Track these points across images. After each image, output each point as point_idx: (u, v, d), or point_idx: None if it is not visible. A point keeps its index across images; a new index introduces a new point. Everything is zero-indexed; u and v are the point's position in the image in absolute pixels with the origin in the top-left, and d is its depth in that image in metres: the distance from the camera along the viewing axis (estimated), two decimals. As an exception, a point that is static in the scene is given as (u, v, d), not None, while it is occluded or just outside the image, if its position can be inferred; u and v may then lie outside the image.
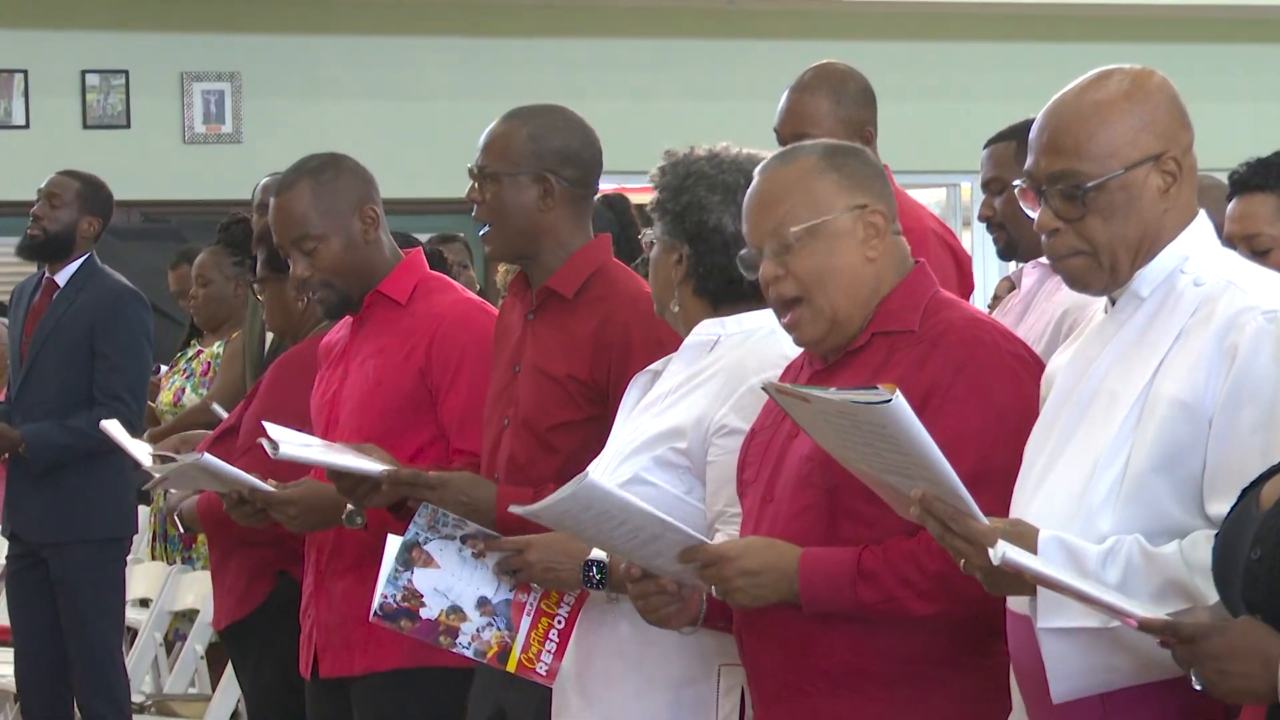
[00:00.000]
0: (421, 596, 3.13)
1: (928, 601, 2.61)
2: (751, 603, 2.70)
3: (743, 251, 2.84)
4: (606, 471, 3.01)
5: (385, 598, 3.13)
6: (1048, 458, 2.46)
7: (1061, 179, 2.46)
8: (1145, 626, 2.17)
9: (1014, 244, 3.86)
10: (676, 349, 3.15)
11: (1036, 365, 2.72)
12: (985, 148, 3.97)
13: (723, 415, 2.97)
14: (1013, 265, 4.07)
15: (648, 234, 3.16)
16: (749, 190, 2.82)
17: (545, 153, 3.43)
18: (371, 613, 3.15)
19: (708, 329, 3.08)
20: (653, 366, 3.21)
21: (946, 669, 2.65)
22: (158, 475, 3.85)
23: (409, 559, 3.15)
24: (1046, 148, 2.47)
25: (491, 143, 3.45)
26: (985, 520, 2.39)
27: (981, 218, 3.91)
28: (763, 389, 2.55)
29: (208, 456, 3.78)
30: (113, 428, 4.21)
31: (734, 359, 3.02)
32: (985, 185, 3.89)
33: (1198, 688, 2.12)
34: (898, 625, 2.66)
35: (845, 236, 2.76)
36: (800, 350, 2.92)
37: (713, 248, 3.06)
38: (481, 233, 3.46)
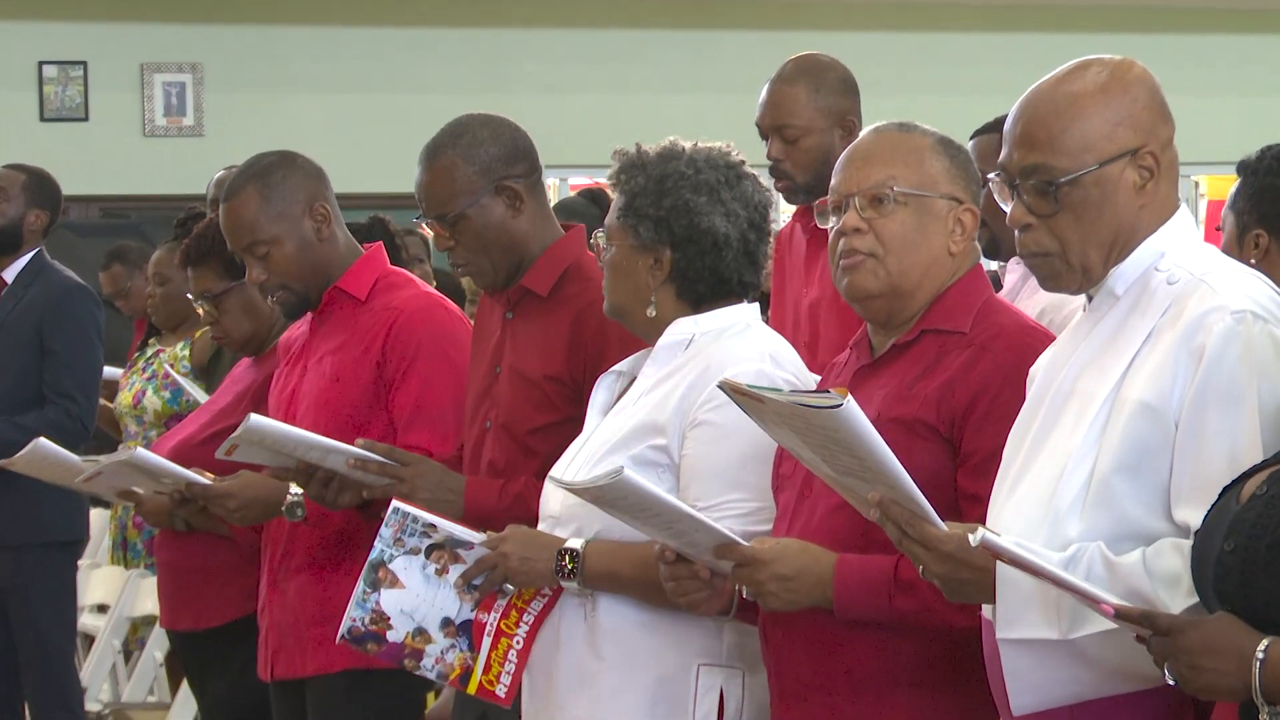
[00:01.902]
0: (389, 619, 3.16)
1: (966, 613, 2.60)
2: (784, 607, 2.74)
3: (818, 201, 2.84)
4: (580, 473, 3.03)
5: (354, 621, 3.17)
6: (1022, 461, 2.46)
7: (1034, 173, 2.45)
8: (1121, 615, 2.17)
9: (997, 242, 3.86)
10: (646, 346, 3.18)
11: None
12: (971, 140, 3.96)
13: (697, 408, 2.99)
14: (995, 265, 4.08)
15: (600, 236, 3.17)
16: (855, 143, 2.87)
17: (490, 165, 3.47)
18: (339, 636, 3.19)
19: (681, 329, 3.11)
20: (618, 367, 3.23)
21: (971, 674, 2.63)
22: (89, 471, 3.87)
23: (376, 579, 3.17)
24: (1020, 140, 2.46)
25: (433, 190, 3.48)
26: (943, 525, 2.40)
27: None
28: (719, 387, 2.55)
29: (139, 451, 3.84)
30: (44, 446, 4.20)
31: (709, 354, 3.05)
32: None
33: (1171, 682, 2.12)
34: (925, 630, 2.69)
35: (938, 220, 2.81)
36: (780, 344, 2.95)
37: (703, 249, 3.10)
38: (462, 269, 3.53)
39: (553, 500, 3.13)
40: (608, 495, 2.79)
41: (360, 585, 3.17)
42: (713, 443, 2.97)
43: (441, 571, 3.16)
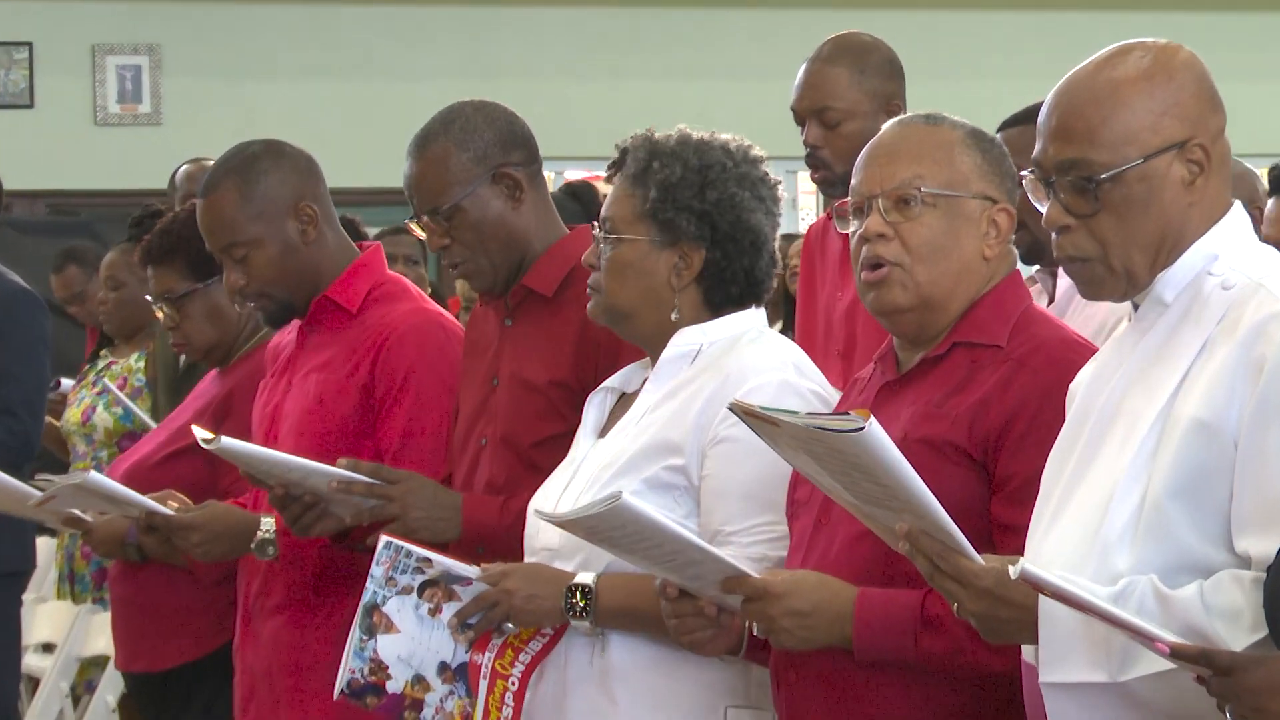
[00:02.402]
0: (388, 668, 3.17)
1: (1002, 655, 2.59)
2: (798, 645, 2.74)
3: (839, 203, 2.89)
4: (579, 501, 3.03)
5: (353, 673, 3.18)
6: (1064, 488, 2.45)
7: (1072, 169, 2.45)
8: (1177, 653, 2.16)
9: (1038, 244, 3.86)
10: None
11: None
12: (999, 131, 3.97)
13: (718, 423, 3.00)
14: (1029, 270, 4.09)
15: (601, 231, 3.18)
16: (876, 139, 2.88)
17: (486, 151, 3.48)
18: (337, 691, 3.20)
19: (687, 339, 3.14)
20: (609, 383, 3.25)
21: None
22: (41, 495, 3.87)
23: (371, 625, 3.18)
24: (1055, 133, 2.46)
25: (425, 182, 3.49)
26: (978, 558, 2.40)
27: None
28: (730, 410, 2.57)
29: (93, 474, 3.84)
30: None
31: (726, 365, 3.07)
32: None
33: None
34: (955, 673, 2.68)
35: (970, 222, 2.82)
36: (798, 352, 2.97)
37: (742, 249, 3.14)
38: (458, 269, 3.53)
39: (547, 531, 3.12)
40: (602, 525, 2.79)
41: (355, 632, 3.18)
42: (738, 460, 2.97)
43: (435, 611, 3.18)
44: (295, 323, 3.90)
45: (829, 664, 2.75)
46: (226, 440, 3.47)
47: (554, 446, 3.36)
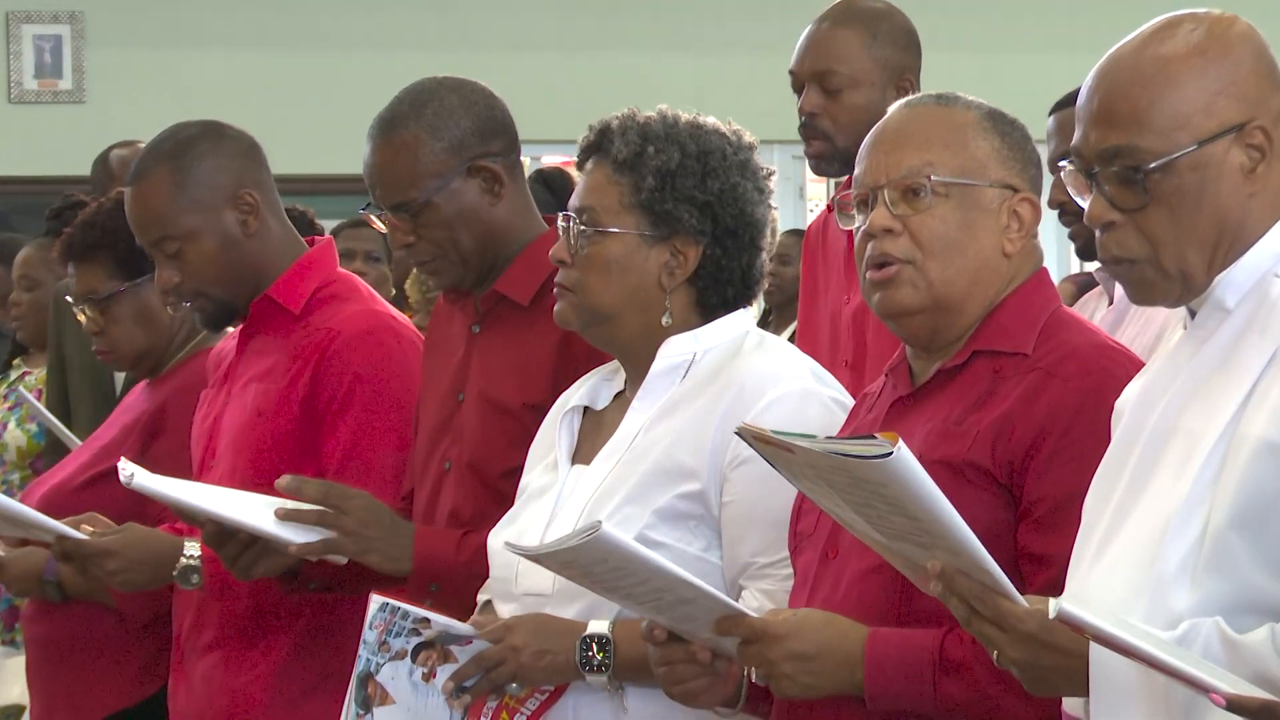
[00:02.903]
0: None
1: (1034, 704, 2.59)
2: (802, 693, 2.73)
3: (841, 194, 2.88)
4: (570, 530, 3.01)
5: None
6: (1112, 517, 2.45)
7: (1116, 157, 2.44)
8: (1235, 706, 2.16)
9: (1094, 239, 3.85)
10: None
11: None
12: (1052, 114, 3.97)
13: (739, 442, 2.94)
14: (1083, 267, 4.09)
15: (577, 222, 3.17)
16: (881, 123, 2.88)
17: (463, 140, 3.49)
18: None
19: (679, 348, 3.15)
20: (574, 399, 3.26)
21: None
22: None
23: (366, 697, 3.20)
24: (1097, 118, 2.45)
25: (391, 172, 3.49)
26: (1021, 599, 2.39)
27: (1053, 204, 3.91)
28: (737, 434, 2.56)
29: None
30: None
31: (736, 374, 3.09)
32: (1053, 162, 3.90)
33: None
34: None
35: (988, 214, 2.83)
36: (807, 357, 2.99)
37: (742, 245, 3.17)
38: (423, 265, 3.53)
39: (534, 574, 3.10)
40: (581, 559, 2.78)
41: (350, 707, 3.21)
42: (766, 483, 2.94)
43: (429, 676, 3.18)
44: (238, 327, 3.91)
45: (837, 714, 2.74)
46: (141, 478, 3.44)
47: None
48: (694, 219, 3.14)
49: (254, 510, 3.48)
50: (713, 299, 3.16)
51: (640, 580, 2.79)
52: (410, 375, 3.71)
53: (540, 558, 2.85)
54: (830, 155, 4.17)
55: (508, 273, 3.49)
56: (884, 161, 2.82)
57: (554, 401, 3.37)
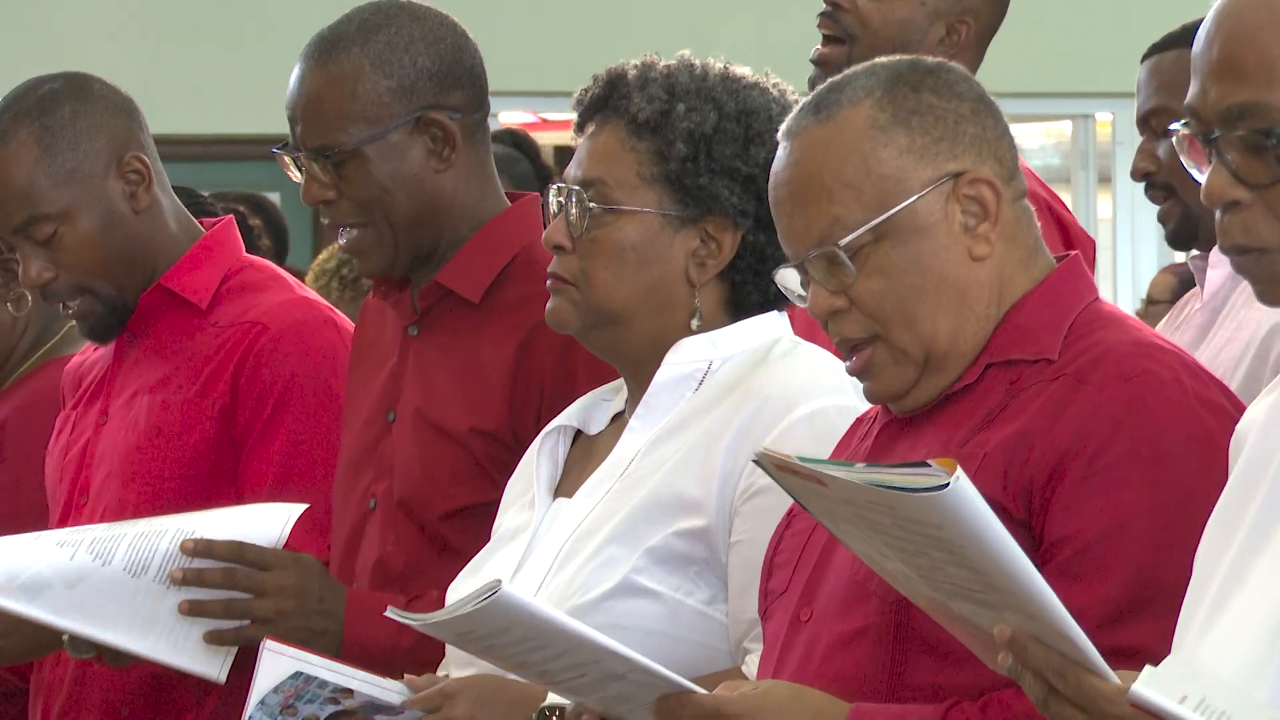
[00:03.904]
0: None
1: None
2: None
3: (780, 269, 2.89)
4: (549, 578, 3.10)
5: None
6: (1230, 571, 2.45)
7: (1243, 119, 2.42)
8: None
9: (1191, 219, 3.87)
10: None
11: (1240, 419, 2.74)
12: (1144, 60, 3.98)
13: (753, 471, 3.02)
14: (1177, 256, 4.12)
15: (581, 198, 3.17)
16: (775, 171, 2.89)
17: (415, 83, 3.52)
18: None
19: (691, 353, 3.18)
20: (562, 420, 3.28)
21: None
22: None
23: None
24: (1219, 69, 2.44)
25: (318, 106, 3.49)
26: (1112, 675, 2.39)
27: (1138, 174, 3.93)
28: (755, 463, 2.56)
29: None
30: None
31: (759, 384, 3.12)
32: (1144, 120, 3.93)
33: None
34: None
35: (933, 229, 2.82)
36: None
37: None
38: (347, 242, 3.54)
39: None
40: (479, 629, 2.79)
41: None
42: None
43: None
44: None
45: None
46: None
47: (475, 521, 3.39)
48: (735, 196, 3.14)
49: (135, 598, 3.46)
50: (752, 296, 3.18)
51: (556, 653, 2.80)
52: None
53: (429, 627, 2.86)
54: (841, 63, 4.19)
55: (454, 261, 3.52)
56: (792, 229, 2.84)
57: (509, 426, 3.41)
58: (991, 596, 2.42)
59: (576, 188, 3.19)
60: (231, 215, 4.04)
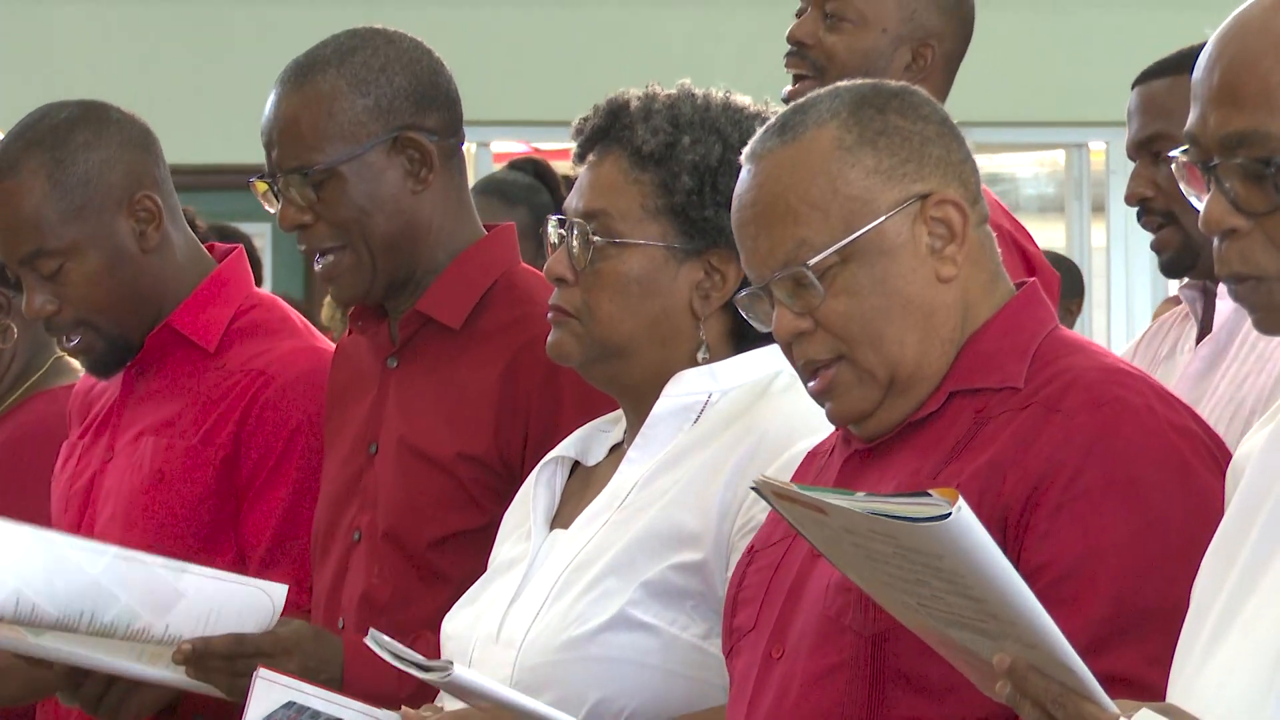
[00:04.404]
0: None
1: None
2: None
3: (742, 292, 2.90)
4: (543, 610, 3.10)
5: None
6: (1228, 603, 2.45)
7: (1241, 146, 2.42)
8: None
9: (1192, 247, 3.87)
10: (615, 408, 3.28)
11: (1214, 446, 2.76)
12: (1136, 86, 3.98)
13: (753, 503, 3.03)
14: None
15: (590, 230, 3.17)
16: (739, 191, 2.89)
17: (390, 103, 3.52)
18: None
19: (691, 384, 3.19)
20: (561, 450, 3.29)
21: None
22: None
23: None
24: (1219, 96, 2.44)
25: (294, 128, 3.50)
26: (1112, 705, 2.38)
27: (1132, 199, 3.93)
28: (753, 490, 2.56)
29: None
30: None
31: (758, 418, 3.13)
32: (1138, 147, 3.93)
33: None
34: None
35: (900, 251, 2.82)
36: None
37: None
38: (323, 267, 3.54)
39: (490, 662, 3.13)
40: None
41: None
42: None
43: None
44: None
45: None
46: None
47: (464, 548, 3.40)
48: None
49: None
50: (754, 329, 3.16)
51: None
52: None
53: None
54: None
55: (433, 288, 3.52)
56: (755, 250, 2.84)
57: (496, 451, 3.42)
58: (991, 625, 2.42)
59: (579, 220, 3.20)
60: (241, 246, 4.02)
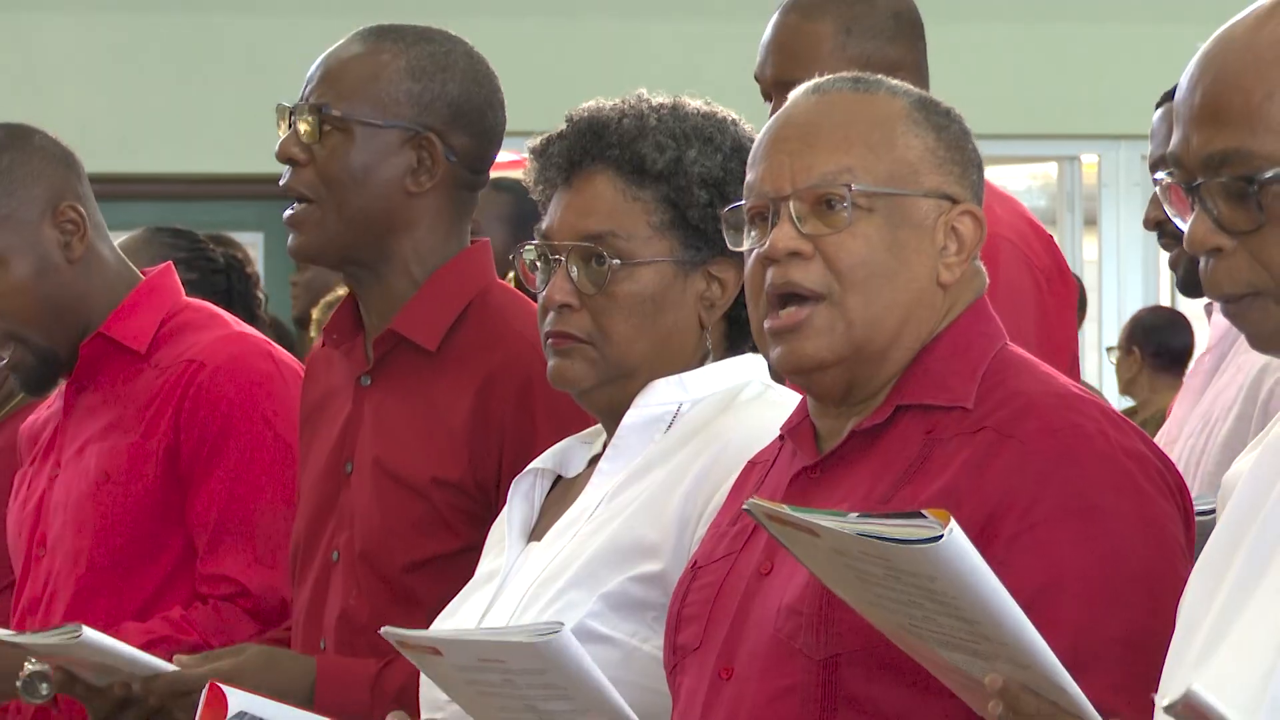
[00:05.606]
0: None
1: None
2: None
3: (731, 207, 2.89)
4: (512, 622, 3.08)
5: None
6: (1216, 620, 2.45)
7: (1224, 165, 2.43)
8: None
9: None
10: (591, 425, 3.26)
11: (1164, 468, 2.76)
12: (1159, 106, 3.98)
13: (713, 509, 3.02)
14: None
15: (601, 253, 3.15)
16: (784, 113, 2.88)
17: (432, 101, 3.53)
18: None
19: (662, 394, 3.19)
20: (540, 463, 3.29)
21: None
22: None
23: None
24: (1201, 115, 2.45)
25: (339, 70, 3.54)
26: None
27: (1150, 223, 3.95)
28: (746, 511, 2.56)
29: None
30: None
31: (722, 428, 3.12)
32: (1155, 167, 3.97)
33: None
34: None
35: (922, 233, 2.83)
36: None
37: None
38: (291, 212, 3.55)
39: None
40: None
41: None
42: None
43: None
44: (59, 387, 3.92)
45: None
46: None
47: (440, 572, 3.39)
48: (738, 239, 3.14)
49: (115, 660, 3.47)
50: (744, 335, 3.18)
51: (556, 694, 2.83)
52: (294, 414, 3.71)
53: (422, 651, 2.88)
54: None
55: (408, 308, 3.50)
56: (789, 165, 2.82)
57: (471, 476, 3.42)
58: (983, 646, 2.43)
59: (583, 244, 3.17)
60: (170, 262, 4.06)
